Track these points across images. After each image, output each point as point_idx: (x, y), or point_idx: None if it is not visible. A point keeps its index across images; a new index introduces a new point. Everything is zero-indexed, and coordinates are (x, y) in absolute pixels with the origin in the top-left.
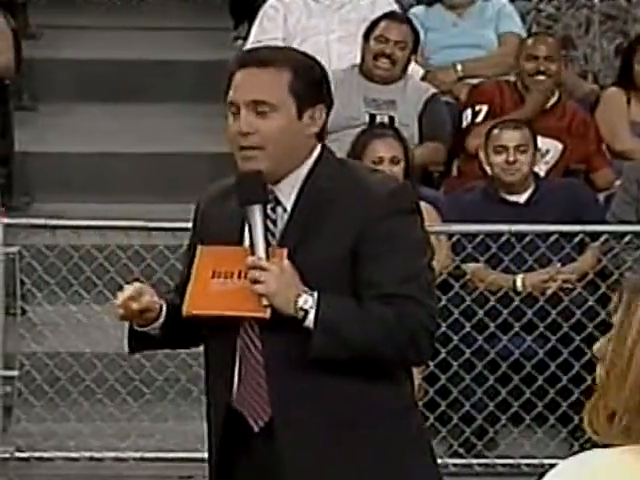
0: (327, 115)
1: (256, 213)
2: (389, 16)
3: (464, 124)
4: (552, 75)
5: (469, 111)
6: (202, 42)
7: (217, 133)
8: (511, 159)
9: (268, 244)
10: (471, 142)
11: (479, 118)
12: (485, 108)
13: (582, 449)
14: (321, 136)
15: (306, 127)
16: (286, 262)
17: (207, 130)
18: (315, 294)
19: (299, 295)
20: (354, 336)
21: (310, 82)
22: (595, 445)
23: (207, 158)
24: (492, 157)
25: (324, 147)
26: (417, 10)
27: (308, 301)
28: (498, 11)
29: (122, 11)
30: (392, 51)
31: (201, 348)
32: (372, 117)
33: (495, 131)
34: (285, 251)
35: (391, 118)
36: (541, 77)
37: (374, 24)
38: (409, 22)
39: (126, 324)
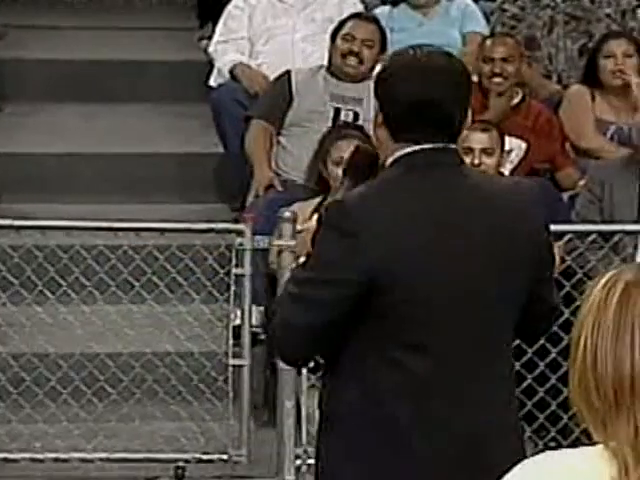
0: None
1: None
2: (356, 16)
3: None
4: (509, 77)
5: None
6: (168, 42)
7: (184, 133)
8: (476, 162)
9: None
10: None
11: None
12: None
13: (546, 448)
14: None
15: None
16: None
17: (174, 130)
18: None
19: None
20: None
21: None
22: (559, 444)
23: (174, 158)
24: None
25: (395, 161)
26: (381, 10)
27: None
28: (462, 11)
29: (88, 11)
30: (359, 49)
31: (168, 349)
32: (337, 111)
33: (463, 132)
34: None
35: (356, 115)
36: (497, 79)
37: (341, 24)
38: (376, 22)
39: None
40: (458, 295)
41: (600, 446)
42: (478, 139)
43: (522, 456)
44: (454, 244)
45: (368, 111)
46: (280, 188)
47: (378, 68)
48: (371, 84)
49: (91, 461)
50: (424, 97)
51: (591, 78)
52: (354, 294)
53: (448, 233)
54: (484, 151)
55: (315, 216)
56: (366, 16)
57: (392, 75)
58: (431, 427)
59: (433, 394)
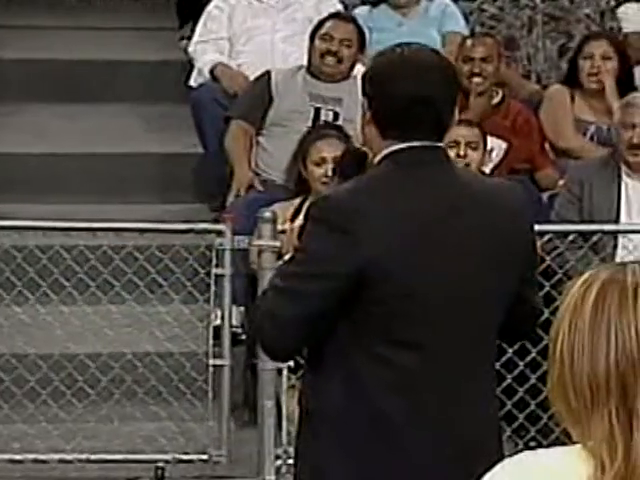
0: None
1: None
2: (335, 16)
3: None
4: (488, 77)
5: None
6: (148, 42)
7: (164, 134)
8: (462, 153)
9: None
10: None
11: None
12: None
13: (526, 447)
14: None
15: None
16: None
17: (154, 130)
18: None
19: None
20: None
21: None
22: (539, 444)
23: (154, 158)
24: None
25: (383, 158)
26: (361, 10)
27: None
28: (442, 11)
29: (69, 11)
30: (338, 49)
31: (148, 349)
32: (317, 111)
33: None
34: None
35: (336, 114)
36: (477, 79)
37: (320, 24)
38: (354, 22)
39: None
40: (452, 293)
41: (578, 446)
42: (463, 133)
43: (501, 455)
44: (447, 242)
45: (348, 111)
46: (261, 188)
47: (359, 67)
48: (350, 84)
49: (70, 462)
50: (416, 94)
51: (572, 78)
52: (342, 288)
53: (440, 231)
54: (469, 145)
55: (301, 216)
56: (344, 16)
57: (383, 72)
58: (426, 425)
59: (428, 391)
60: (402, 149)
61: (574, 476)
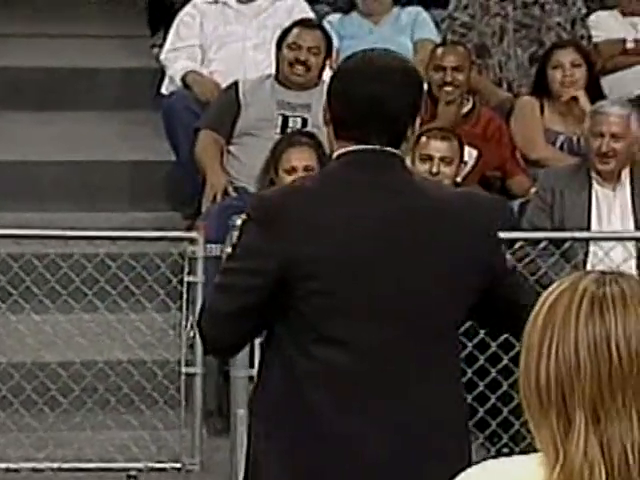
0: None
1: None
2: (300, 23)
3: None
4: (459, 85)
5: None
6: (120, 50)
7: (137, 141)
8: (434, 170)
9: None
10: None
11: None
12: None
13: (499, 454)
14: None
15: None
16: None
17: (126, 138)
18: None
19: None
20: None
21: None
22: (512, 451)
23: (126, 166)
24: (417, 165)
25: (336, 157)
26: (332, 18)
27: None
28: (414, 19)
29: (40, 19)
30: (306, 57)
31: (121, 357)
32: (285, 119)
33: (423, 139)
34: None
35: (304, 121)
36: (448, 88)
37: (286, 32)
38: (321, 28)
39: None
40: (384, 294)
41: (540, 453)
42: (438, 147)
43: (459, 448)
44: (376, 242)
45: (316, 117)
46: (234, 194)
47: (328, 72)
48: (319, 90)
49: (42, 470)
50: (365, 95)
51: (541, 88)
52: (269, 284)
53: (370, 230)
54: (443, 160)
55: None
56: (311, 23)
57: (341, 73)
58: (355, 422)
59: (357, 389)
60: (349, 152)
61: None
